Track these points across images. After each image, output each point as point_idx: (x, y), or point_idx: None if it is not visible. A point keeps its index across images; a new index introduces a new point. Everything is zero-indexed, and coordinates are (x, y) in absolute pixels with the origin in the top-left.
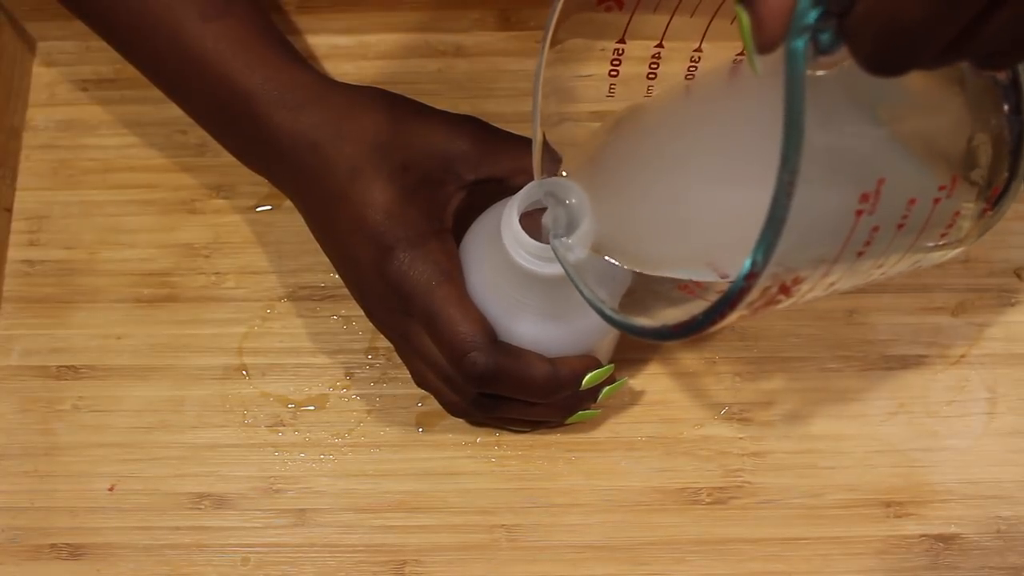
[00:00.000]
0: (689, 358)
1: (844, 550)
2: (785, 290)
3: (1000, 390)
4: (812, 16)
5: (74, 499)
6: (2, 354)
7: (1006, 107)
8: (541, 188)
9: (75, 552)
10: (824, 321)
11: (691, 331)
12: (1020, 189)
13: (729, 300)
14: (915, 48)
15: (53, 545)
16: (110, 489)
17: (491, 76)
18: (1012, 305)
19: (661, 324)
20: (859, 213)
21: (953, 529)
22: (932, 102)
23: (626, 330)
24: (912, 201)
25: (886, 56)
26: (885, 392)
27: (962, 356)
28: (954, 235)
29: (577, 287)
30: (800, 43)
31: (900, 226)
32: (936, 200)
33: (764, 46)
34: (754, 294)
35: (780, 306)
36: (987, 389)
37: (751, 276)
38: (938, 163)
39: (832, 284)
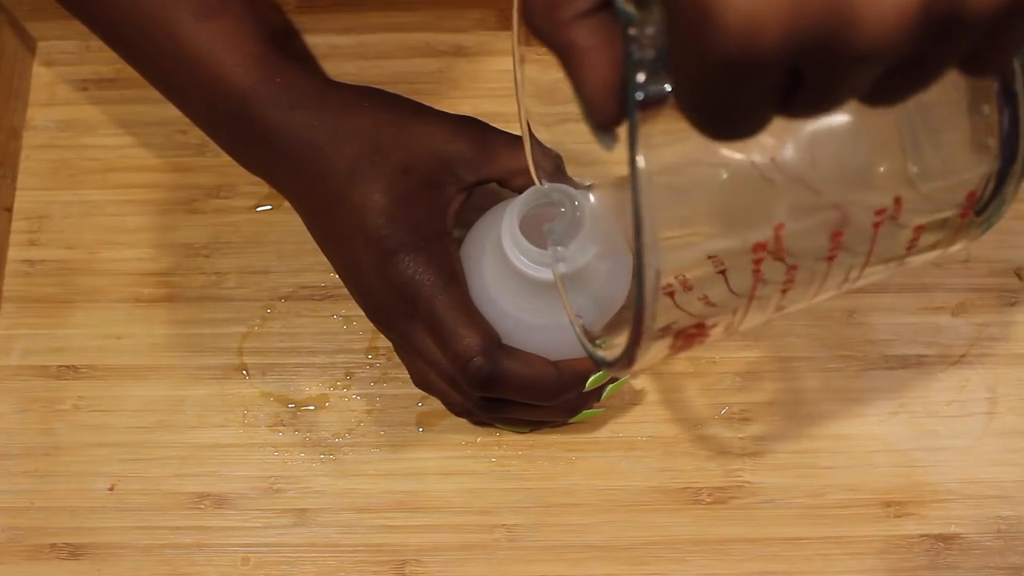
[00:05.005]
0: (689, 358)
1: (844, 550)
2: (702, 332)
3: (1000, 390)
4: (644, 89)
5: (74, 499)
6: (2, 354)
7: (995, 110)
8: (541, 193)
9: (75, 552)
10: (824, 321)
11: (615, 366)
12: (1017, 189)
13: (630, 348)
14: (737, 122)
15: (53, 545)
16: (110, 489)
17: (491, 76)
18: (1012, 305)
19: (602, 356)
20: (758, 261)
21: (953, 529)
22: (867, 125)
23: (586, 352)
24: (837, 234)
25: (712, 129)
26: (885, 392)
27: (962, 356)
28: (926, 242)
29: (563, 300)
30: (635, 108)
31: (831, 258)
32: (876, 224)
33: (602, 124)
34: (655, 347)
35: (709, 340)
36: (987, 389)
37: (637, 325)
38: (877, 187)
39: (781, 308)
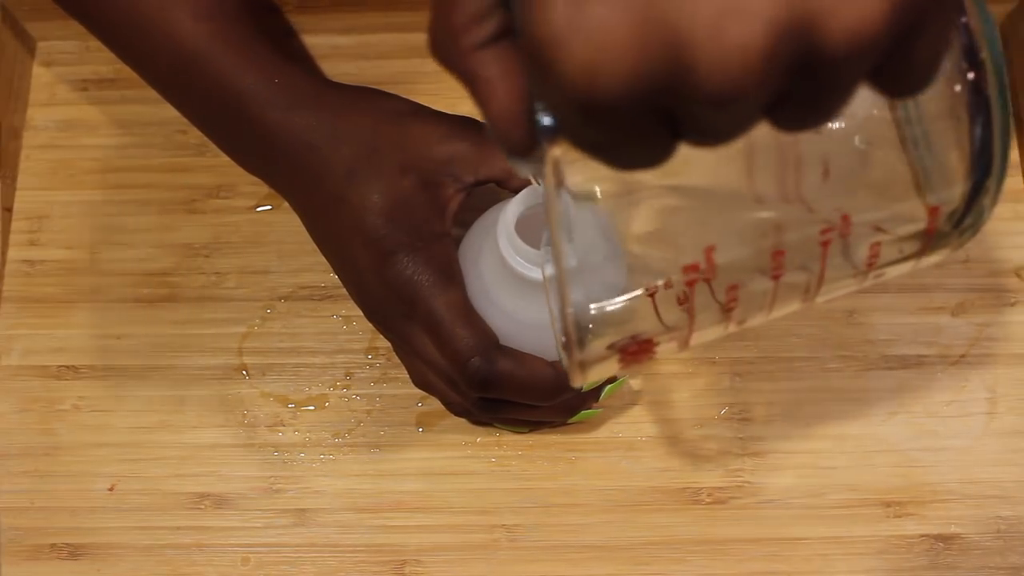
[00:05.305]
0: (689, 358)
1: (844, 550)
2: (647, 349)
3: (1000, 390)
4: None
5: (74, 499)
6: (2, 354)
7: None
8: (536, 193)
9: (75, 552)
10: (824, 321)
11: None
12: (995, 201)
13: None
14: (624, 156)
15: (53, 545)
16: (110, 489)
17: None
18: (1012, 305)
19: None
20: (691, 283)
21: (953, 529)
22: (810, 143)
23: (560, 358)
24: (779, 253)
25: (605, 162)
26: (885, 392)
27: (962, 356)
28: (892, 255)
29: (547, 302)
30: (544, 136)
31: (776, 276)
32: (824, 243)
33: (514, 152)
34: (603, 365)
35: (658, 356)
36: (987, 389)
37: (566, 348)
38: (824, 206)
39: (741, 322)
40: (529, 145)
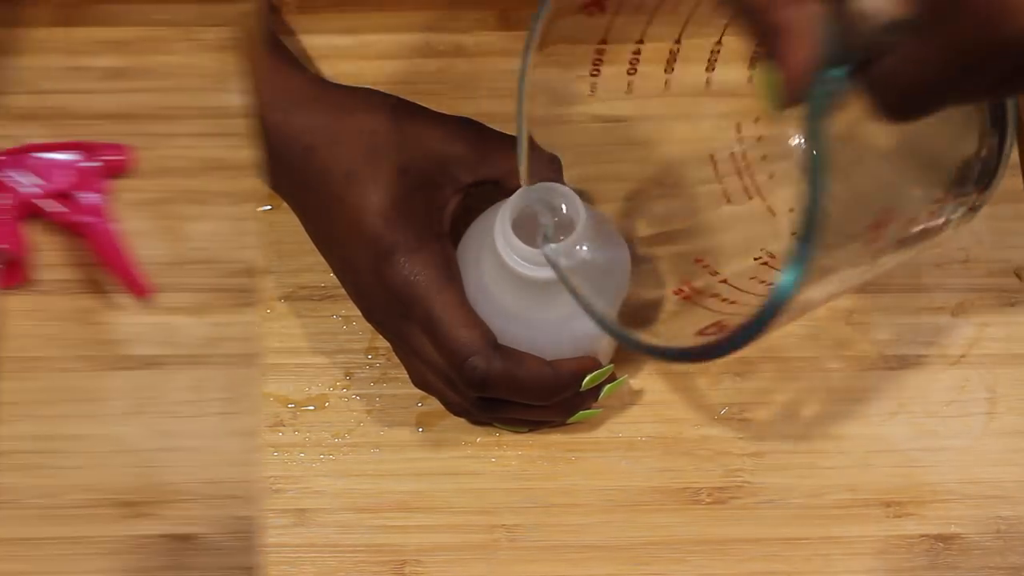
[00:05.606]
0: None
1: (844, 550)
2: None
3: (1000, 390)
4: (839, 72)
5: None
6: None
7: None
8: (533, 193)
9: None
10: (824, 321)
11: (715, 354)
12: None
13: (761, 322)
14: (934, 101)
15: None
16: None
17: (491, 76)
18: (1012, 305)
19: (669, 345)
20: (872, 240)
21: (953, 529)
22: (936, 127)
23: (632, 347)
24: (913, 220)
25: (906, 108)
26: (885, 392)
27: (962, 356)
28: (938, 233)
29: (575, 296)
30: (824, 100)
31: (901, 241)
32: (932, 213)
33: (790, 103)
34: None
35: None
36: (987, 389)
37: (783, 302)
38: (936, 181)
39: (831, 295)
40: (804, 97)
